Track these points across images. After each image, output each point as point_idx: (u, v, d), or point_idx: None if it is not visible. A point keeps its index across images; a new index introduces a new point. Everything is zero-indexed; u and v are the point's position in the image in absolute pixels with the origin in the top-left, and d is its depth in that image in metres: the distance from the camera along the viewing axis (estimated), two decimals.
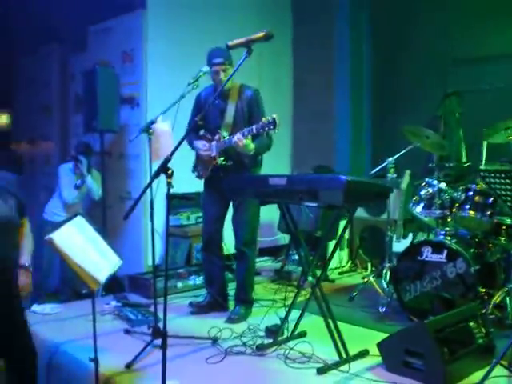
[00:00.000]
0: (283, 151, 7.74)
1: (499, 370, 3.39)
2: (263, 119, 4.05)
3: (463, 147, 6.33)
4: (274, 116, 3.98)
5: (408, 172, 5.48)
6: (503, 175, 3.31)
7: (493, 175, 3.40)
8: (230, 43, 3.28)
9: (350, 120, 7.28)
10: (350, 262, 6.69)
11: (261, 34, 3.18)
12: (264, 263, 6.88)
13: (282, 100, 7.75)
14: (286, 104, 7.86)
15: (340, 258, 6.57)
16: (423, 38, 6.98)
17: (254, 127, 4.11)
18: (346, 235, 6.69)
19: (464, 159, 6.27)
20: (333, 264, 6.43)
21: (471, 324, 3.67)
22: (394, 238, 5.48)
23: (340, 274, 6.39)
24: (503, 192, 3.43)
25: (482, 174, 3.59)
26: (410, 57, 7.09)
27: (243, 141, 4.22)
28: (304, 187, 3.48)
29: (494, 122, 4.81)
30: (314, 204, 3.57)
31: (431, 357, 3.32)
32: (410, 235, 5.75)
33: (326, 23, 7.54)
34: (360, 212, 6.52)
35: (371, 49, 7.48)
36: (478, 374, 3.30)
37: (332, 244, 6.32)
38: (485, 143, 5.05)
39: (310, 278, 3.94)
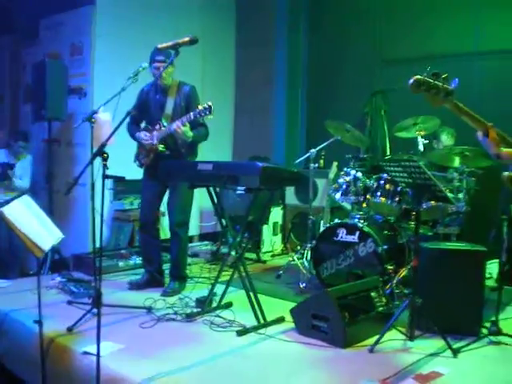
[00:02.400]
0: (225, 142, 8.23)
1: (397, 335, 3.95)
2: (199, 106, 4.50)
3: (387, 141, 6.90)
4: (210, 103, 4.44)
5: (335, 163, 6.02)
6: (396, 164, 3.84)
7: (389, 164, 3.94)
8: (160, 46, 3.72)
9: (285, 114, 7.77)
10: (282, 246, 7.20)
11: (186, 39, 3.62)
12: (204, 247, 7.34)
13: (225, 95, 8.23)
14: (228, 99, 8.34)
15: (273, 242, 7.07)
16: (355, 41, 7.53)
17: (191, 114, 4.57)
18: (280, 221, 7.20)
19: (387, 152, 6.85)
20: (266, 247, 6.95)
21: (372, 294, 4.20)
22: (322, 223, 6.00)
23: (272, 256, 6.92)
24: (399, 178, 3.97)
25: (381, 163, 4.12)
26: (342, 57, 7.63)
27: (182, 128, 4.66)
28: (227, 172, 3.97)
29: (400, 120, 5.37)
30: (237, 187, 4.00)
31: (334, 320, 3.82)
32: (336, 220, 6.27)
33: (266, 24, 8.04)
34: (293, 200, 7.04)
35: (307, 49, 7.98)
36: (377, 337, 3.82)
37: (266, 228, 6.86)
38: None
39: (233, 254, 4.41)
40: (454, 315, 4.00)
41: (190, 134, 4.75)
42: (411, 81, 2.67)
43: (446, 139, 5.62)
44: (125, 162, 5.20)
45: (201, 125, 4.89)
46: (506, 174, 3.10)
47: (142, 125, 5.17)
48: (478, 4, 6.49)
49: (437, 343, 3.83)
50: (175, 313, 4.41)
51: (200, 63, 7.41)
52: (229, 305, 4.62)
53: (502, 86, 6.12)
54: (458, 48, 6.49)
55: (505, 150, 2.76)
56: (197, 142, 5.05)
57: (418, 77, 2.67)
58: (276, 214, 7.18)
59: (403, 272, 4.86)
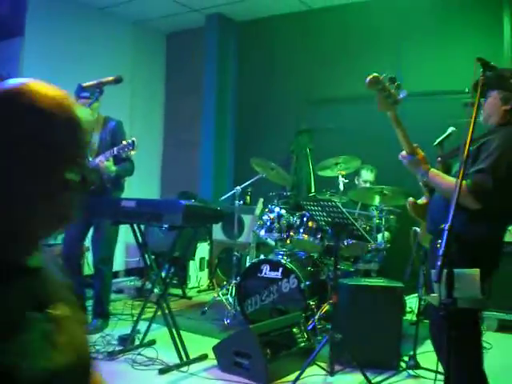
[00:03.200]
0: (153, 177, 8.23)
1: (318, 370, 4.03)
2: (123, 142, 4.52)
3: (312, 179, 7.06)
4: (133, 138, 4.47)
5: (261, 200, 6.13)
6: (315, 203, 3.96)
7: (309, 203, 4.05)
8: (84, 84, 3.74)
9: (214, 150, 7.84)
10: (208, 281, 7.21)
11: (111, 78, 3.65)
12: (129, 282, 7.25)
13: (153, 129, 8.28)
14: (156, 133, 8.38)
15: (199, 278, 7.07)
16: (282, 80, 7.71)
17: (114, 149, 4.58)
18: (206, 256, 7.22)
19: (312, 189, 7.00)
20: (192, 283, 6.94)
21: (294, 330, 4.28)
22: (248, 259, 6.07)
23: (198, 291, 6.90)
24: (318, 217, 4.09)
25: (302, 202, 4.24)
26: (270, 96, 7.80)
27: (105, 162, 4.66)
28: (151, 210, 4.00)
29: (325, 158, 5.54)
30: (161, 225, 4.03)
31: (256, 357, 3.87)
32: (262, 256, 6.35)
33: (195, 61, 8.16)
34: (220, 235, 7.08)
35: (236, 87, 8.13)
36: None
37: (192, 263, 6.86)
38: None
39: (156, 291, 4.40)
40: (374, 349, 4.12)
41: (113, 168, 4.76)
42: (370, 77, 2.73)
43: (366, 173, 5.82)
44: None
45: (126, 160, 4.90)
46: (411, 199, 3.24)
47: None
48: (400, 46, 6.79)
49: (357, 378, 3.92)
50: (97, 351, 4.34)
51: (129, 97, 7.44)
52: (152, 342, 4.59)
53: (421, 126, 6.38)
54: None
55: (433, 170, 2.88)
56: (122, 177, 5.05)
57: (376, 75, 2.74)
58: (203, 250, 7.19)
59: (325, 307, 4.96)
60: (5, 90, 1.00)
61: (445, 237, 2.10)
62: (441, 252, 2.07)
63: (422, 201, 3.23)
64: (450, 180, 2.82)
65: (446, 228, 2.11)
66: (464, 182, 2.69)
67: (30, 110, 0.98)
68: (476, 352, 2.95)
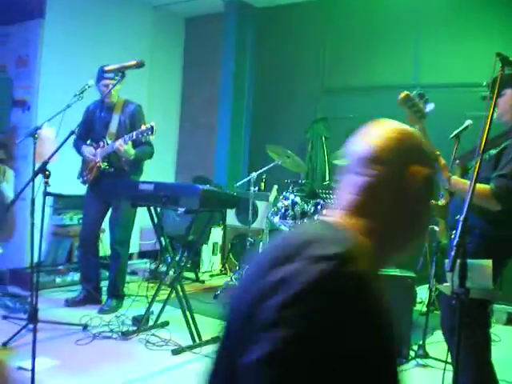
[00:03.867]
0: (168, 161, 8.29)
1: None
2: (142, 126, 4.58)
3: (326, 167, 7.09)
4: (152, 123, 4.53)
5: (276, 186, 6.16)
6: (332, 191, 4.01)
7: (326, 191, 4.10)
8: (106, 68, 3.79)
9: (229, 136, 7.87)
10: (221, 266, 7.28)
11: (133, 63, 3.70)
12: (143, 264, 7.33)
13: (170, 113, 8.33)
14: (173, 117, 8.43)
15: (212, 262, 7.14)
16: (300, 68, 7.72)
17: (134, 133, 4.64)
18: (219, 241, 7.28)
19: (327, 178, 7.04)
20: (205, 267, 7.01)
21: None
22: (261, 245, 6.12)
23: (211, 276, 6.98)
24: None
25: (318, 190, 4.29)
26: (287, 84, 7.81)
27: (124, 146, 4.71)
28: (168, 193, 4.06)
29: (340, 147, 5.56)
30: (178, 208, 4.09)
31: None
32: None
33: (213, 47, 8.19)
34: (233, 221, 7.14)
35: (253, 73, 8.15)
36: None
37: (205, 248, 6.92)
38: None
39: (171, 273, 4.47)
40: None
41: (132, 152, 4.81)
42: (402, 94, 2.80)
43: None
44: (65, 177, 5.20)
45: (146, 143, 4.95)
46: (431, 201, 3.28)
47: (88, 142, 5.20)
48: (418, 38, 6.78)
49: None
50: (111, 330, 4.43)
51: (147, 81, 7.47)
52: (165, 324, 4.67)
53: (440, 119, 6.40)
54: (398, 80, 6.75)
55: (454, 177, 2.95)
56: (141, 160, 5.11)
57: (408, 93, 2.82)
58: (216, 235, 7.25)
59: None
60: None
61: (459, 227, 2.13)
62: (455, 242, 2.11)
63: (441, 202, 3.29)
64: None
65: (461, 219, 2.15)
66: (487, 186, 2.83)
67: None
68: (484, 342, 3.00)
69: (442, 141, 3.30)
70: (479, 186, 2.86)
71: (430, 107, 2.89)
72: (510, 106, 2.90)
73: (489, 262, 2.25)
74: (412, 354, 4.23)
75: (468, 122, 3.62)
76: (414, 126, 2.92)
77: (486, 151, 3.06)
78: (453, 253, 2.10)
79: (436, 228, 3.34)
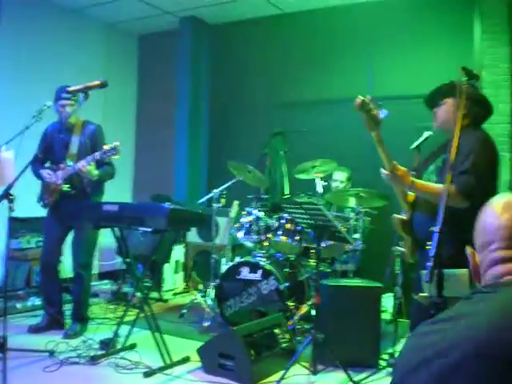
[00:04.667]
0: (125, 180, 8.20)
1: (301, 370, 4.09)
2: (105, 146, 4.52)
3: (286, 181, 7.12)
4: (116, 143, 4.47)
5: (236, 202, 6.16)
6: (297, 206, 4.03)
7: (291, 206, 4.12)
8: (70, 89, 3.74)
9: (187, 153, 7.85)
10: (184, 284, 7.22)
11: (97, 83, 3.66)
12: (104, 286, 7.23)
13: (126, 131, 8.24)
14: (129, 136, 8.35)
15: (175, 280, 7.08)
16: (256, 84, 7.76)
17: (97, 153, 4.58)
18: (181, 259, 7.23)
19: (286, 192, 7.06)
20: (168, 286, 6.95)
21: (276, 331, 4.34)
22: (223, 261, 6.11)
23: (174, 294, 6.91)
24: (300, 219, 4.16)
25: (284, 205, 4.30)
26: (243, 98, 7.85)
27: (87, 167, 4.65)
28: (133, 214, 4.02)
29: (299, 161, 5.63)
30: (144, 228, 4.04)
31: (240, 358, 3.92)
32: (238, 258, 6.40)
33: (168, 62, 8.15)
34: (194, 238, 7.11)
35: (209, 89, 8.15)
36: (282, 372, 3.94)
37: (167, 266, 6.86)
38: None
39: (138, 295, 4.42)
40: (354, 348, 4.22)
41: (96, 172, 4.75)
42: (359, 100, 2.87)
43: (338, 174, 5.94)
44: (21, 199, 5.06)
45: (106, 163, 4.90)
46: (396, 216, 3.33)
47: (47, 165, 5.11)
48: (371, 51, 6.92)
49: (339, 376, 4.02)
50: (79, 355, 4.34)
51: (101, 99, 7.40)
52: (133, 346, 4.60)
53: (394, 130, 6.52)
54: (352, 93, 6.81)
55: (418, 181, 3.00)
56: (103, 181, 5.05)
57: (364, 99, 2.87)
58: (178, 252, 7.20)
59: (304, 308, 5.04)
60: None
61: (435, 239, 2.17)
62: (432, 253, 2.15)
63: (403, 216, 3.32)
64: (435, 186, 2.96)
65: (437, 230, 2.19)
66: (448, 185, 2.82)
67: None
68: None
69: (400, 152, 3.36)
70: (441, 185, 2.91)
71: (383, 113, 2.94)
72: (452, 113, 2.99)
73: (465, 271, 2.30)
74: (382, 363, 4.28)
75: (427, 133, 3.69)
76: (371, 133, 3.00)
77: (436, 159, 3.14)
78: (430, 263, 2.14)
79: (401, 249, 3.38)
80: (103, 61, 7.69)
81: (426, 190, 2.99)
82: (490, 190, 2.83)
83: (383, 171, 3.05)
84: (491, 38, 6.15)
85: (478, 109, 3.03)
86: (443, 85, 3.19)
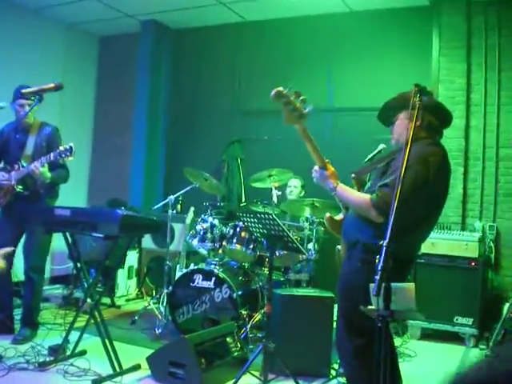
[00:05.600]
0: (81, 184, 8.10)
1: (252, 379, 4.10)
2: (60, 147, 4.45)
3: (242, 189, 7.16)
4: (71, 144, 4.41)
5: (192, 209, 6.14)
6: (251, 215, 4.04)
7: (245, 215, 4.13)
8: (24, 91, 3.68)
9: (145, 158, 7.81)
10: (137, 290, 7.16)
11: (52, 85, 3.62)
12: (55, 290, 7.11)
13: (82, 135, 8.14)
14: (86, 139, 8.25)
15: (128, 286, 7.01)
16: (215, 91, 7.79)
17: (51, 154, 4.50)
18: (135, 265, 7.17)
19: (243, 199, 7.09)
20: (121, 292, 6.88)
21: (228, 339, 4.34)
22: (178, 268, 6.08)
23: (127, 300, 6.85)
24: (254, 229, 4.17)
25: (238, 214, 4.31)
26: (202, 106, 7.86)
27: (40, 168, 4.57)
28: (85, 219, 3.97)
29: (256, 168, 5.66)
30: (96, 234, 4.00)
31: (190, 367, 3.91)
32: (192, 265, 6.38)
33: (127, 66, 8.11)
34: (149, 244, 7.06)
35: (168, 95, 8.13)
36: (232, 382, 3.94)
37: (121, 272, 6.79)
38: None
39: (88, 301, 4.36)
40: (306, 358, 4.25)
41: (48, 175, 4.68)
42: (274, 91, 2.80)
43: (293, 180, 5.97)
44: None
45: (61, 166, 4.83)
46: (327, 215, 3.37)
47: (0, 165, 5.02)
48: (332, 63, 7.02)
49: None
50: (27, 361, 4.26)
51: (58, 101, 7.30)
52: (83, 353, 4.53)
53: (351, 141, 6.62)
54: (312, 104, 6.92)
55: (341, 185, 3.00)
56: (56, 184, 4.98)
57: (281, 89, 2.80)
58: (131, 258, 7.13)
59: (257, 317, 5.05)
60: None
61: (383, 252, 2.20)
62: (379, 267, 2.18)
63: (339, 216, 3.35)
64: (357, 195, 2.96)
65: (385, 244, 2.22)
66: (369, 196, 2.84)
67: None
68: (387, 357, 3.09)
69: (355, 163, 3.41)
70: (363, 194, 2.93)
71: (308, 108, 2.89)
72: (406, 126, 2.98)
73: (411, 285, 2.34)
74: (333, 372, 4.31)
75: (381, 146, 3.73)
76: (294, 126, 2.94)
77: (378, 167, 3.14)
78: (377, 277, 2.17)
79: (339, 247, 3.40)
80: (62, 61, 7.60)
81: (346, 197, 2.98)
82: (419, 209, 2.78)
83: (315, 168, 3.06)
84: (449, 54, 6.31)
85: (433, 119, 2.94)
86: (392, 100, 3.11)
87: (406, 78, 6.01)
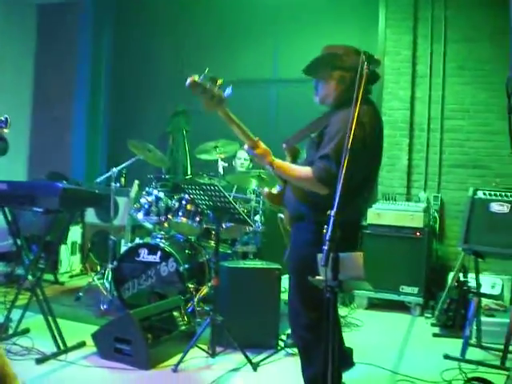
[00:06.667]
0: (20, 157, 7.82)
1: (200, 353, 4.06)
2: None
3: (188, 161, 7.05)
4: (6, 116, 4.20)
5: (137, 182, 6.02)
6: (196, 187, 3.96)
7: (190, 186, 4.04)
8: None
9: (86, 130, 7.61)
10: (81, 266, 7.00)
11: None
12: None
13: (21, 106, 7.84)
14: (24, 110, 7.95)
15: (71, 262, 6.84)
16: (159, 60, 7.61)
17: None
18: (78, 240, 6.99)
19: (188, 172, 6.99)
20: (64, 268, 6.71)
21: (175, 313, 4.28)
22: (123, 243, 5.96)
23: (71, 277, 6.69)
24: (199, 201, 4.10)
25: (183, 186, 4.22)
26: (146, 76, 7.68)
27: None
28: (24, 192, 3.81)
29: (202, 141, 5.56)
30: (35, 208, 3.85)
31: (137, 342, 3.83)
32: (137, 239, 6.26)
33: (68, 35, 7.82)
34: (92, 218, 6.89)
35: (110, 65, 7.91)
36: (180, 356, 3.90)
37: (64, 247, 6.62)
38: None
39: (29, 278, 4.22)
40: (254, 330, 4.24)
41: None
42: (188, 81, 2.68)
43: (242, 152, 5.88)
44: None
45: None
46: (265, 189, 3.33)
47: None
48: (277, 35, 6.96)
49: (238, 358, 4.02)
50: None
51: None
52: (26, 331, 4.40)
53: (295, 111, 6.59)
54: (258, 74, 6.88)
55: (278, 161, 2.91)
56: None
57: (195, 79, 2.68)
58: (75, 233, 6.95)
59: (204, 290, 5.01)
60: None
61: (331, 223, 2.16)
62: (327, 237, 2.13)
63: (276, 189, 3.28)
64: (298, 170, 2.88)
65: (333, 214, 2.18)
66: (310, 168, 2.76)
67: None
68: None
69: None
70: (303, 168, 2.84)
71: (228, 91, 2.78)
72: (333, 88, 2.91)
73: (360, 254, 2.31)
74: (281, 344, 4.31)
75: None
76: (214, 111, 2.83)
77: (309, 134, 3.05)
78: (325, 247, 2.13)
79: (282, 216, 3.36)
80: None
81: (285, 172, 2.91)
82: (360, 172, 2.72)
83: (244, 147, 2.99)
84: (395, 25, 6.35)
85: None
86: (325, 55, 3.03)
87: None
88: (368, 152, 2.77)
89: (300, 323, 3.09)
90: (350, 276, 2.27)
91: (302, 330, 3.11)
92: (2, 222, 4.36)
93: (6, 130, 4.19)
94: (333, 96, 2.92)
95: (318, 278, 2.36)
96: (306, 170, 2.80)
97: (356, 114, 2.33)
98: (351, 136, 2.30)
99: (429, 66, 6.26)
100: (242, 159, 5.97)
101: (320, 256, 2.18)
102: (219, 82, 2.75)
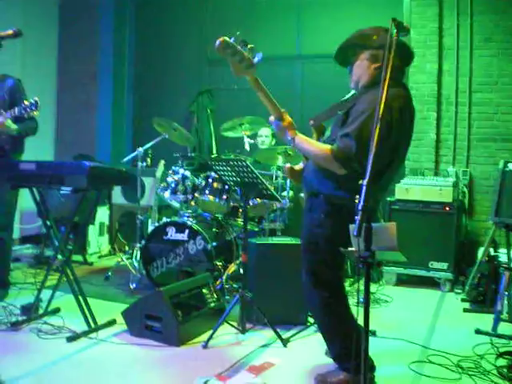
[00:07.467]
0: (46, 140, 7.86)
1: (229, 329, 4.06)
2: (25, 102, 4.25)
3: (213, 140, 7.03)
4: (36, 98, 4.21)
5: (162, 161, 6.02)
6: (224, 163, 3.94)
7: (217, 163, 4.02)
8: None
9: (111, 112, 7.62)
10: (109, 247, 7.05)
11: (10, 32, 3.43)
12: (26, 250, 6.98)
13: (47, 89, 7.86)
14: (50, 93, 7.97)
15: (100, 243, 6.88)
16: (182, 39, 7.60)
17: (15, 109, 4.27)
18: (106, 221, 7.03)
19: (214, 150, 6.98)
20: (93, 248, 6.75)
21: (204, 290, 4.28)
22: (150, 222, 5.98)
23: (99, 257, 6.74)
24: (227, 177, 4.07)
25: (210, 163, 4.20)
26: (170, 56, 7.68)
27: (4, 122, 4.37)
28: (52, 172, 3.82)
29: (227, 119, 5.53)
30: (64, 188, 3.87)
31: (167, 319, 3.84)
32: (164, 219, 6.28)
33: (91, 17, 7.81)
34: (119, 199, 6.91)
35: (134, 46, 7.90)
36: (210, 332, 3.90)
37: (91, 228, 6.66)
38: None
39: (59, 257, 4.25)
40: (283, 306, 4.22)
41: (14, 126, 4.46)
42: (218, 42, 2.60)
43: (264, 129, 5.86)
44: None
45: (29, 118, 4.60)
46: (287, 165, 3.29)
47: None
48: (299, 11, 6.88)
49: (268, 334, 4.01)
50: None
51: (20, 55, 7.02)
52: (56, 310, 4.43)
53: (319, 88, 6.53)
54: (281, 51, 6.82)
55: (300, 135, 2.89)
56: (25, 136, 4.77)
57: (226, 39, 2.61)
58: (102, 214, 6.98)
59: (232, 268, 5.00)
60: None
61: (363, 192, 2.12)
62: (360, 207, 2.09)
63: (299, 166, 3.25)
64: (317, 146, 2.85)
65: (365, 184, 2.13)
66: (329, 146, 2.72)
67: None
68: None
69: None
70: (323, 145, 2.81)
71: (258, 57, 2.72)
72: (366, 67, 2.84)
73: (393, 224, 2.27)
74: (310, 320, 4.29)
75: (352, 92, 3.61)
76: (243, 77, 2.79)
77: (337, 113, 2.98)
78: (358, 217, 2.09)
79: (302, 195, 3.33)
80: (23, 10, 7.25)
81: (306, 148, 2.87)
82: (383, 156, 2.64)
83: (270, 118, 2.95)
84: None
85: (395, 58, 2.41)
86: (351, 38, 2.94)
87: (377, 23, 5.88)
88: (393, 138, 2.70)
89: (314, 303, 3.09)
90: (384, 247, 2.24)
91: (316, 309, 3.12)
92: (29, 205, 4.38)
93: (35, 113, 4.21)
94: (366, 76, 2.87)
95: (350, 249, 2.33)
96: (325, 148, 2.77)
97: (384, 95, 2.23)
98: (381, 114, 2.21)
99: (455, 38, 6.13)
100: (264, 136, 5.95)
101: (352, 227, 2.15)
102: (250, 45, 2.70)
